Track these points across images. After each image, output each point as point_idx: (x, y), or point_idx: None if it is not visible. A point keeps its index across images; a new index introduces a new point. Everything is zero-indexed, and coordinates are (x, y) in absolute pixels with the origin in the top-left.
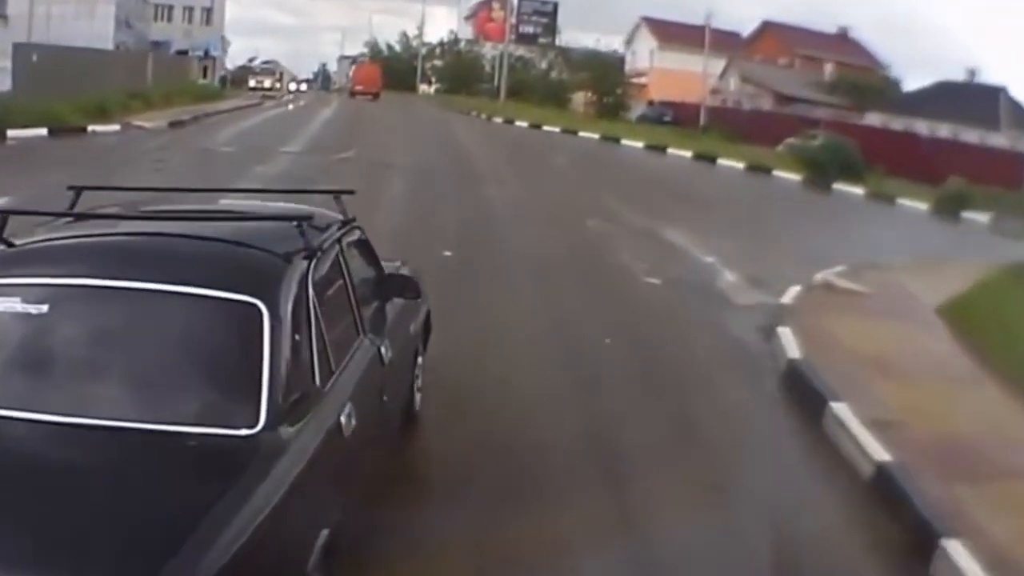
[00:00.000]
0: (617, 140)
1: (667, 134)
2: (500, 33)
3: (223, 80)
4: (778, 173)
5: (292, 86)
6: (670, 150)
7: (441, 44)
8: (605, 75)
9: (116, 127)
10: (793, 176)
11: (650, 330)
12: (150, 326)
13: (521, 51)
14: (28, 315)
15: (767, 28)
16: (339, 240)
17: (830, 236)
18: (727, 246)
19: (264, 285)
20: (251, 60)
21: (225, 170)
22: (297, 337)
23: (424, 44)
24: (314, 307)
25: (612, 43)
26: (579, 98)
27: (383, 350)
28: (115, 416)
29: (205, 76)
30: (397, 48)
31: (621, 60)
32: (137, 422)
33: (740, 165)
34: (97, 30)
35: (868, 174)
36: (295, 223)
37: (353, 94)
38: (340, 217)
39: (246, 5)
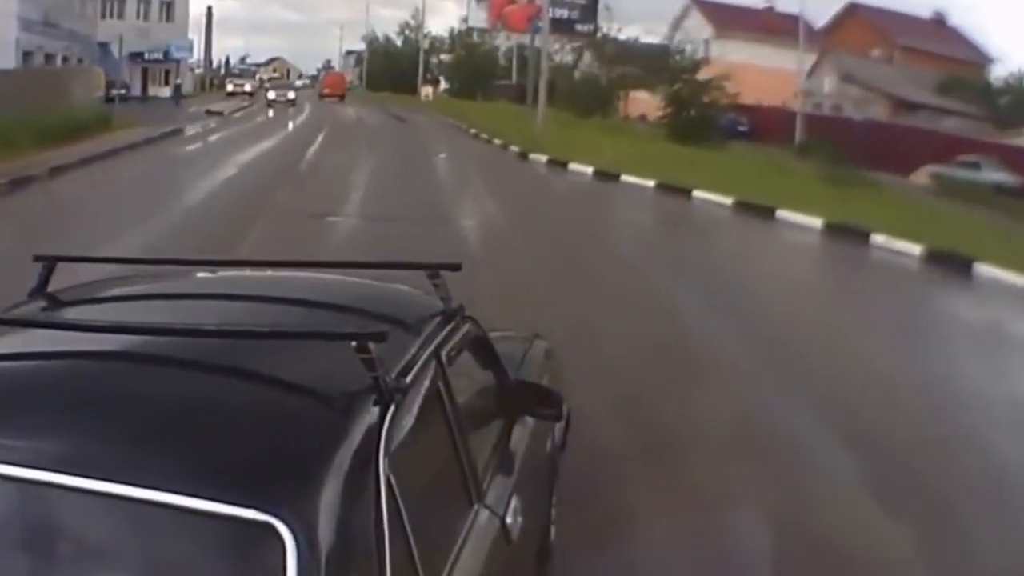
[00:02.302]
0: (771, 211)
1: (828, 195)
2: (523, 19)
3: (177, 88)
4: None
5: (271, 95)
6: (876, 237)
7: (451, 35)
8: (676, 74)
9: None
10: None
11: None
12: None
13: (536, 41)
14: None
15: (853, 12)
16: (438, 354)
17: None
18: None
19: (290, 486)
20: (242, 60)
21: None
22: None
23: (429, 36)
24: (390, 496)
25: (651, 33)
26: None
27: (509, 520)
28: None
29: (167, 82)
30: (398, 42)
31: (666, 51)
32: None
33: (1016, 280)
34: None
35: None
36: (359, 343)
37: (322, 96)
38: (439, 306)
39: (251, 2)
